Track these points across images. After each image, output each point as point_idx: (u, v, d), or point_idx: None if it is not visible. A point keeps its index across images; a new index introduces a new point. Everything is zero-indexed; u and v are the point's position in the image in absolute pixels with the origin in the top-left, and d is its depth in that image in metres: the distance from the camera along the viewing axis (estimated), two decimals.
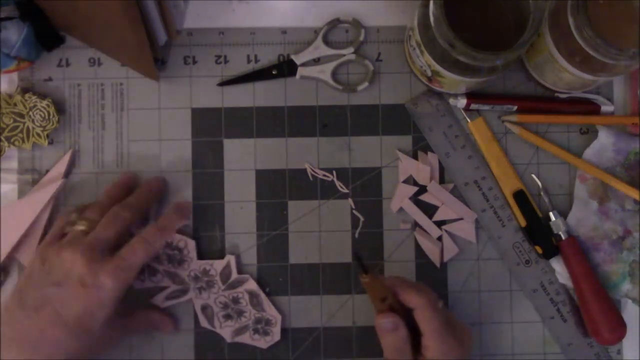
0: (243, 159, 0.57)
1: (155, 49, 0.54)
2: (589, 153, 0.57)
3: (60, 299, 0.46)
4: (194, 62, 0.57)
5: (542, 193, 0.57)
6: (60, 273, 0.47)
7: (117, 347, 0.55)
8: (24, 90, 0.55)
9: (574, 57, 0.49)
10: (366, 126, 0.57)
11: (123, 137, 0.57)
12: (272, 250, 0.56)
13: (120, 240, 0.50)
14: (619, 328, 0.54)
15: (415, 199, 0.57)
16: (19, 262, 0.55)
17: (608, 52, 0.46)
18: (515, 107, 0.56)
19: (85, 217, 0.51)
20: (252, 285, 0.55)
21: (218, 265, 0.55)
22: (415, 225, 0.57)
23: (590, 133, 0.57)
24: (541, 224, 0.56)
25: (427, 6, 0.47)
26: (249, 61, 0.57)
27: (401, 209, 0.57)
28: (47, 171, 0.56)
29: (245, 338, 0.55)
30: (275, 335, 0.55)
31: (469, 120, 0.57)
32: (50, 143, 0.56)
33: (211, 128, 0.57)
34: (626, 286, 0.56)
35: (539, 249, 0.56)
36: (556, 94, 0.57)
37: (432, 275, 0.56)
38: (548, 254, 0.56)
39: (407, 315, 0.48)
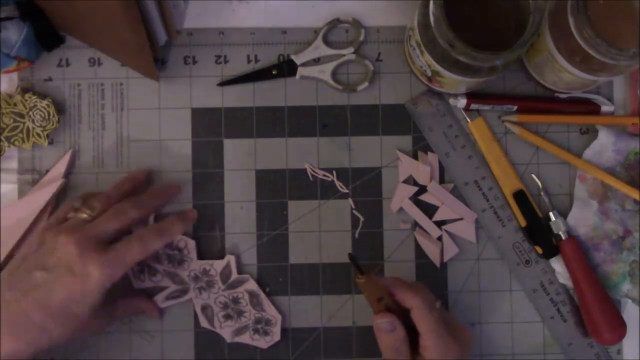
0: (243, 159, 0.57)
1: (155, 49, 0.54)
2: (589, 153, 0.57)
3: (47, 284, 0.46)
4: (194, 62, 0.57)
5: (542, 193, 0.57)
6: (52, 258, 0.47)
7: (117, 347, 0.55)
8: (24, 90, 0.55)
9: (574, 57, 0.49)
10: (366, 126, 0.57)
11: (123, 137, 0.57)
12: (272, 250, 0.56)
13: (120, 235, 0.49)
14: (619, 328, 0.54)
15: (415, 199, 0.57)
16: None
17: (608, 52, 0.46)
18: (515, 107, 0.56)
19: (89, 206, 0.50)
20: (252, 285, 0.55)
21: (218, 265, 0.55)
22: (415, 225, 0.57)
23: (590, 133, 0.57)
24: (541, 224, 0.56)
25: (427, 6, 0.47)
26: (249, 61, 0.57)
27: (401, 209, 0.57)
28: (47, 171, 0.56)
29: (245, 338, 0.55)
30: (275, 335, 0.55)
31: (469, 120, 0.57)
32: (50, 143, 0.56)
33: (211, 128, 0.57)
34: (626, 286, 0.56)
35: (539, 249, 0.56)
36: (556, 94, 0.57)
37: (432, 275, 0.56)
38: (548, 254, 0.56)
39: (404, 316, 0.48)
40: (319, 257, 0.56)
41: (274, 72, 0.57)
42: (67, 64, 0.57)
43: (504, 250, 0.57)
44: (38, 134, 0.55)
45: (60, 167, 0.55)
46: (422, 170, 0.56)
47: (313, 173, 0.57)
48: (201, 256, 0.56)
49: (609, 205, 0.56)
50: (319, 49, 0.57)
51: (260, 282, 0.56)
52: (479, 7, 0.50)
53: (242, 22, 0.57)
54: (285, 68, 0.57)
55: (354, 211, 0.57)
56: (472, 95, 0.56)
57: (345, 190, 0.57)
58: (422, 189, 0.56)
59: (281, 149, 0.57)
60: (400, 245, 0.57)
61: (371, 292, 0.48)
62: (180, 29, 0.57)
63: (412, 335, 0.48)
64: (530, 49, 0.52)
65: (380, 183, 0.57)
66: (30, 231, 0.54)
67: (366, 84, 0.57)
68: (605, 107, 0.57)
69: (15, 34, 0.52)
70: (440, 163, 0.57)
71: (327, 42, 0.57)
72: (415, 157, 0.57)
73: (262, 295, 0.55)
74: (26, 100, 0.55)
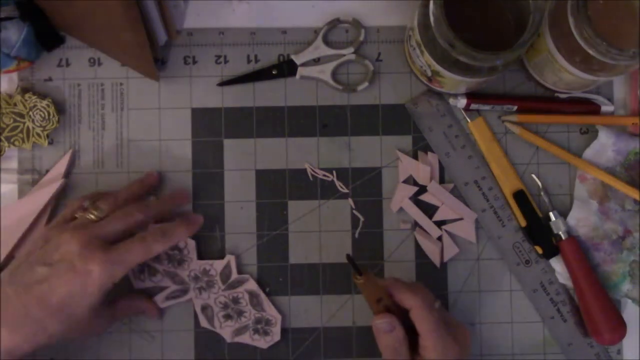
0: (243, 159, 0.57)
1: (155, 49, 0.54)
2: (589, 153, 0.57)
3: (48, 280, 0.46)
4: (194, 62, 0.57)
5: (542, 193, 0.57)
6: (55, 255, 0.47)
7: (117, 347, 0.55)
8: (24, 90, 0.55)
9: (574, 57, 0.49)
10: (366, 126, 0.57)
11: (123, 137, 0.57)
12: (272, 250, 0.56)
13: (125, 237, 0.49)
14: (619, 328, 0.54)
15: (415, 199, 0.57)
16: None
17: (608, 52, 0.46)
18: (515, 107, 0.56)
19: (97, 207, 0.50)
20: (252, 285, 0.55)
21: (218, 265, 0.55)
22: (415, 225, 0.57)
23: (590, 133, 0.57)
24: (541, 224, 0.56)
25: (427, 6, 0.47)
26: (249, 61, 0.57)
27: (401, 209, 0.57)
28: (47, 171, 0.56)
29: (245, 338, 0.55)
30: (275, 335, 0.55)
31: (469, 120, 0.57)
32: (50, 143, 0.56)
33: (211, 128, 0.57)
34: (626, 286, 0.56)
35: (539, 249, 0.56)
36: (556, 94, 0.57)
37: (432, 275, 0.56)
38: (548, 254, 0.56)
39: (404, 316, 0.48)
40: (319, 257, 0.56)
41: (274, 72, 0.57)
42: (67, 64, 0.57)
43: (504, 250, 0.57)
44: (38, 134, 0.55)
45: (60, 167, 0.55)
46: (422, 170, 0.56)
47: (313, 173, 0.57)
48: (201, 256, 0.56)
49: (609, 205, 0.56)
50: (319, 49, 0.57)
51: (260, 282, 0.56)
52: (479, 7, 0.50)
53: (242, 22, 0.57)
54: (285, 68, 0.57)
55: (354, 211, 0.57)
56: (472, 95, 0.56)
57: (345, 190, 0.57)
58: (422, 189, 0.56)
59: (281, 149, 0.57)
60: (400, 245, 0.57)
61: (370, 292, 0.48)
62: (180, 29, 0.57)
63: (412, 335, 0.48)
64: (530, 49, 0.52)
65: (380, 183, 0.57)
66: (30, 231, 0.54)
67: (366, 84, 0.57)
68: (605, 107, 0.57)
69: (15, 34, 0.52)
70: (440, 163, 0.57)
71: (327, 42, 0.57)
72: (415, 157, 0.57)
73: (262, 295, 0.55)
74: (26, 100, 0.55)
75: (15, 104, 0.55)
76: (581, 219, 0.56)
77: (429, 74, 0.52)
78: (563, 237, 0.55)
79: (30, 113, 0.55)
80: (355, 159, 0.57)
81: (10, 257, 0.54)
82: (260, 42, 0.57)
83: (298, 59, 0.57)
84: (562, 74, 0.51)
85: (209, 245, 0.56)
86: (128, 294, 0.54)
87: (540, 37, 0.50)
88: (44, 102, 0.55)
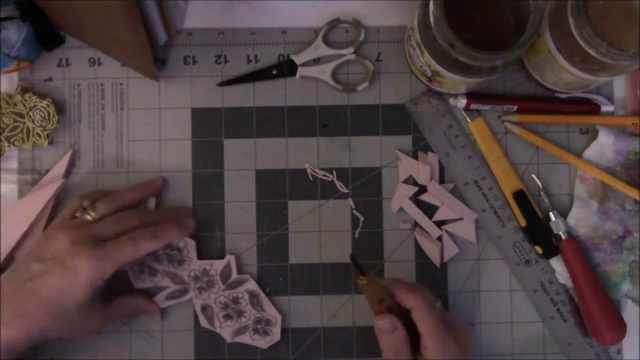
0: (243, 159, 0.57)
1: (155, 49, 0.54)
2: (589, 153, 0.57)
3: (41, 276, 0.47)
4: (194, 62, 0.57)
5: (542, 193, 0.57)
6: (48, 252, 0.48)
7: (117, 347, 0.55)
8: (24, 90, 0.55)
9: (574, 57, 0.49)
10: (366, 126, 0.57)
11: (123, 137, 0.57)
12: (272, 250, 0.56)
13: (117, 236, 0.50)
14: (619, 328, 0.54)
15: (415, 199, 0.57)
16: None
17: (608, 52, 0.46)
18: (515, 107, 0.56)
19: (95, 208, 0.51)
20: (252, 285, 0.55)
21: (218, 265, 0.55)
22: (415, 225, 0.57)
23: (590, 133, 0.57)
24: (541, 224, 0.56)
25: (427, 6, 0.47)
26: (249, 61, 0.57)
27: (401, 209, 0.57)
28: (47, 171, 0.56)
29: (245, 338, 0.55)
30: (275, 335, 0.55)
31: (469, 120, 0.57)
32: (50, 143, 0.56)
33: (211, 128, 0.57)
34: (626, 286, 0.56)
35: (539, 249, 0.56)
36: (556, 94, 0.57)
37: (432, 275, 0.56)
38: (548, 254, 0.56)
39: (405, 316, 0.48)
40: (319, 257, 0.56)
41: (274, 72, 0.57)
42: (67, 64, 0.57)
43: (504, 250, 0.57)
44: (38, 134, 0.55)
45: (60, 167, 0.55)
46: (422, 170, 0.56)
47: (313, 173, 0.57)
48: (201, 256, 0.56)
49: (609, 205, 0.56)
50: (319, 49, 0.57)
51: (260, 282, 0.56)
52: (479, 7, 0.50)
53: (242, 22, 0.57)
54: (285, 68, 0.57)
55: (354, 211, 0.57)
56: (472, 95, 0.56)
57: (345, 190, 0.57)
58: (422, 189, 0.56)
59: (281, 149, 0.57)
60: (400, 245, 0.57)
61: (372, 293, 0.48)
62: (180, 29, 0.57)
63: (413, 335, 0.48)
64: (530, 49, 0.52)
65: (380, 183, 0.57)
66: (30, 231, 0.54)
67: (366, 84, 0.57)
68: (605, 107, 0.57)
69: (15, 34, 0.52)
70: (440, 163, 0.57)
71: (327, 42, 0.57)
72: (415, 157, 0.57)
73: (262, 295, 0.55)
74: (26, 100, 0.55)
75: (15, 104, 0.55)
76: (581, 219, 0.56)
77: (429, 74, 0.52)
78: (563, 237, 0.55)
79: (30, 113, 0.55)
80: (355, 159, 0.57)
81: (10, 257, 0.54)
82: (260, 42, 0.57)
83: (298, 59, 0.57)
84: (562, 74, 0.51)
85: (209, 245, 0.56)
86: (127, 293, 0.54)
87: (540, 37, 0.50)
88: (44, 102, 0.55)
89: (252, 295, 0.55)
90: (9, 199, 0.56)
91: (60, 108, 0.56)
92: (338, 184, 0.57)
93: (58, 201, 0.56)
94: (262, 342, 0.55)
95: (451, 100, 0.56)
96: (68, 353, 0.55)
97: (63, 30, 0.56)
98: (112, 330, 0.55)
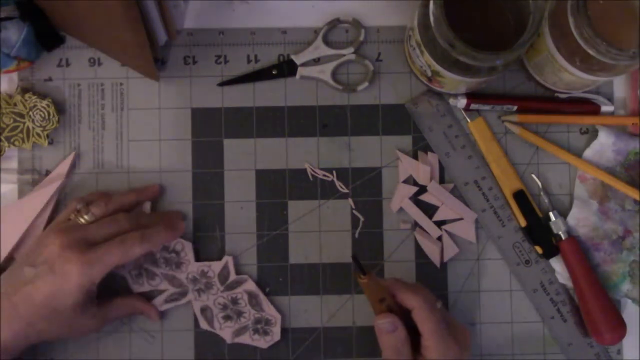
0: (243, 159, 0.57)
1: (155, 49, 0.54)
2: (589, 153, 0.57)
3: (33, 281, 0.48)
4: (194, 62, 0.57)
5: (542, 193, 0.57)
6: (40, 256, 0.49)
7: (117, 347, 0.55)
8: (24, 90, 0.55)
9: (574, 57, 0.49)
10: (366, 126, 0.57)
11: (123, 137, 0.57)
12: (272, 250, 0.56)
13: (109, 240, 0.50)
14: (619, 328, 0.54)
15: (415, 199, 0.57)
16: None
17: (608, 52, 0.46)
18: (515, 107, 0.56)
19: (89, 211, 0.51)
20: (250, 285, 0.55)
21: (216, 266, 0.55)
22: (415, 225, 0.57)
23: (590, 133, 0.57)
24: (541, 224, 0.56)
25: (427, 6, 0.47)
26: (249, 61, 0.57)
27: (401, 209, 0.57)
28: (47, 171, 0.56)
29: (246, 338, 0.55)
30: (275, 335, 0.55)
31: (469, 120, 0.57)
32: (50, 143, 0.56)
33: (211, 128, 0.57)
34: (626, 286, 0.56)
35: (539, 249, 0.56)
36: (556, 94, 0.57)
37: (432, 275, 0.56)
38: (548, 254, 0.56)
39: (405, 316, 0.48)
40: (319, 257, 0.56)
41: (274, 72, 0.57)
42: (67, 64, 0.57)
43: (504, 250, 0.57)
44: (38, 134, 0.55)
45: (62, 168, 0.55)
46: (422, 170, 0.56)
47: (313, 173, 0.57)
48: (201, 257, 0.56)
49: (609, 205, 0.56)
50: (319, 49, 0.57)
51: (260, 282, 0.56)
52: (479, 7, 0.50)
53: (242, 22, 0.57)
54: (285, 68, 0.57)
55: (354, 211, 0.57)
56: (472, 95, 0.56)
57: (345, 190, 0.57)
58: (422, 189, 0.56)
59: (281, 149, 0.57)
60: (400, 245, 0.57)
61: (373, 292, 0.48)
62: (180, 29, 0.57)
63: (413, 335, 0.48)
64: (530, 49, 0.52)
65: (380, 183, 0.57)
66: (30, 231, 0.54)
67: (366, 84, 0.57)
68: (605, 107, 0.57)
69: (15, 34, 0.52)
70: (440, 163, 0.57)
71: (327, 42, 0.57)
72: (415, 157, 0.57)
73: (261, 296, 0.55)
74: (26, 100, 0.55)
75: (15, 104, 0.55)
76: (581, 219, 0.56)
77: (429, 74, 0.52)
78: (563, 237, 0.55)
79: (30, 113, 0.55)
80: (355, 159, 0.57)
81: (10, 257, 0.54)
82: (260, 42, 0.57)
83: (298, 59, 0.57)
84: (562, 74, 0.51)
85: (209, 245, 0.56)
86: (125, 294, 0.54)
87: (540, 37, 0.50)
88: (44, 102, 0.55)
89: (251, 295, 0.55)
90: (9, 199, 0.56)
91: (60, 108, 0.56)
92: (338, 184, 0.57)
93: (58, 201, 0.56)
94: (262, 342, 0.55)
95: (451, 100, 0.56)
96: (68, 353, 0.55)
97: (63, 30, 0.56)
98: (112, 330, 0.55)
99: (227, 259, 0.55)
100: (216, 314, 0.55)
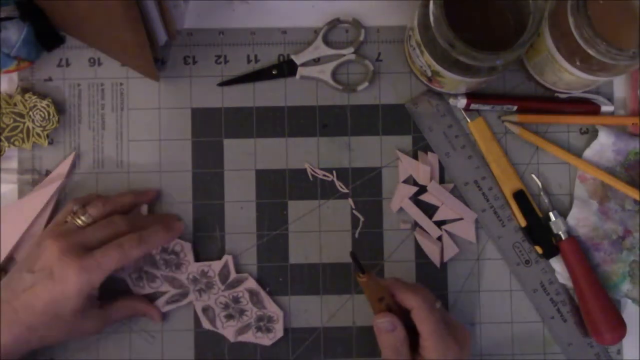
0: (243, 159, 0.57)
1: (155, 49, 0.54)
2: (589, 153, 0.57)
3: (32, 288, 0.48)
4: (194, 62, 0.57)
5: (542, 193, 0.57)
6: (38, 262, 0.48)
7: (117, 347, 0.55)
8: (24, 90, 0.55)
9: (574, 57, 0.49)
10: (366, 126, 0.57)
11: (123, 137, 0.57)
12: (272, 250, 0.56)
13: (106, 243, 0.50)
14: (619, 328, 0.54)
15: (415, 199, 0.57)
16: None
17: (608, 52, 0.46)
18: (515, 107, 0.56)
19: (86, 212, 0.51)
20: (251, 283, 0.55)
21: (216, 266, 0.55)
22: (415, 225, 0.57)
23: (590, 133, 0.57)
24: (541, 224, 0.56)
25: (427, 6, 0.47)
26: (249, 61, 0.57)
27: (401, 209, 0.57)
28: (47, 171, 0.56)
29: (249, 337, 0.55)
30: (278, 331, 0.55)
31: (469, 120, 0.57)
32: (50, 143, 0.56)
33: (211, 128, 0.57)
34: (626, 286, 0.56)
35: (539, 249, 0.56)
36: (556, 94, 0.57)
37: (432, 275, 0.56)
38: (548, 254, 0.56)
39: (405, 316, 0.48)
40: (319, 257, 0.56)
41: (274, 72, 0.57)
42: (67, 64, 0.57)
43: (504, 250, 0.57)
44: (38, 134, 0.55)
45: (63, 168, 0.55)
46: (422, 170, 0.56)
47: (313, 173, 0.57)
48: (201, 257, 0.56)
49: (609, 205, 0.56)
50: (319, 49, 0.57)
51: (260, 282, 0.56)
52: (479, 7, 0.50)
53: (242, 22, 0.57)
54: (285, 68, 0.57)
55: (354, 211, 0.57)
56: (472, 95, 0.56)
57: (345, 190, 0.57)
58: (422, 189, 0.56)
59: (281, 149, 0.57)
60: (400, 245, 0.57)
61: (372, 291, 0.48)
62: (180, 29, 0.57)
63: (412, 335, 0.48)
64: (530, 49, 0.52)
65: (380, 183, 0.57)
66: (30, 231, 0.54)
67: (366, 84, 0.57)
68: (605, 107, 0.57)
69: (15, 34, 0.52)
70: (440, 163, 0.57)
71: (327, 42, 0.57)
72: (415, 157, 0.57)
73: (262, 293, 0.55)
74: (26, 100, 0.55)
75: (15, 104, 0.55)
76: (581, 219, 0.56)
77: (429, 74, 0.52)
78: (563, 237, 0.55)
79: (30, 113, 0.55)
80: (355, 159, 0.57)
81: (10, 257, 0.54)
82: (260, 42, 0.57)
83: (298, 59, 0.57)
84: (562, 74, 0.51)
85: (209, 245, 0.56)
86: (127, 296, 0.54)
87: (540, 37, 0.50)
88: (44, 102, 0.55)
89: (252, 293, 0.55)
90: (9, 199, 0.56)
91: (60, 108, 0.56)
92: (338, 184, 0.57)
93: (58, 201, 0.56)
94: (266, 340, 0.55)
95: (451, 100, 0.56)
96: (68, 353, 0.55)
97: (63, 30, 0.56)
98: (112, 330, 0.55)
99: (227, 258, 0.55)
100: (218, 314, 0.55)
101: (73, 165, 0.56)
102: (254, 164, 0.57)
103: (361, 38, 0.57)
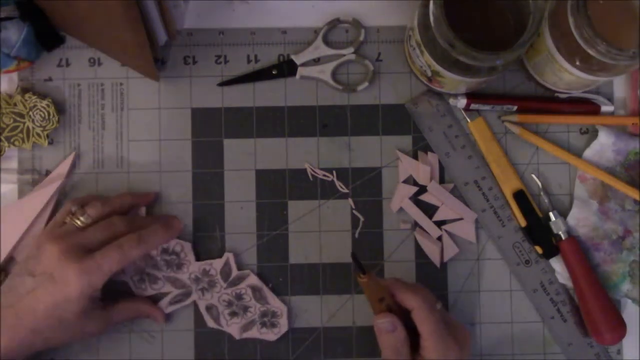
0: (243, 159, 0.57)
1: (155, 49, 0.54)
2: (589, 153, 0.57)
3: (34, 291, 0.48)
4: (194, 62, 0.57)
5: (542, 193, 0.57)
6: (39, 265, 0.48)
7: (117, 347, 0.55)
8: (24, 90, 0.55)
9: (574, 57, 0.49)
10: (366, 126, 0.57)
11: (123, 137, 0.57)
12: (272, 250, 0.56)
13: (106, 244, 0.50)
14: (619, 328, 0.54)
15: (415, 199, 0.57)
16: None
17: (608, 52, 0.46)
18: (515, 107, 0.56)
19: (84, 213, 0.51)
20: (253, 279, 0.55)
21: (217, 264, 0.55)
22: (415, 225, 0.57)
23: (590, 133, 0.57)
24: (541, 224, 0.56)
25: (427, 6, 0.47)
26: (249, 61, 0.57)
27: (401, 209, 0.57)
28: (47, 171, 0.56)
29: (254, 333, 0.55)
30: (283, 326, 0.55)
31: (469, 120, 0.57)
32: (50, 143, 0.56)
33: (211, 128, 0.57)
34: (626, 286, 0.56)
35: (539, 249, 0.56)
36: (556, 94, 0.57)
37: (432, 275, 0.56)
38: (548, 254, 0.56)
39: (405, 317, 0.48)
40: (319, 257, 0.56)
41: (274, 72, 0.57)
42: (67, 64, 0.57)
43: (504, 250, 0.57)
44: (38, 134, 0.55)
45: (63, 168, 0.55)
46: (422, 170, 0.56)
47: (313, 173, 0.57)
48: (202, 257, 0.56)
49: (609, 205, 0.56)
50: (319, 49, 0.57)
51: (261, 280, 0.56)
52: (479, 7, 0.50)
53: (242, 22, 0.57)
54: (285, 68, 0.57)
55: (354, 211, 0.57)
56: (472, 95, 0.56)
57: (345, 190, 0.57)
58: (422, 189, 0.56)
59: (281, 149, 0.57)
60: (400, 245, 0.57)
61: (372, 291, 0.48)
62: (180, 29, 0.57)
63: (412, 335, 0.48)
64: (530, 49, 0.52)
65: (380, 183, 0.57)
66: (30, 231, 0.54)
67: (366, 84, 0.57)
68: (605, 107, 0.57)
69: (15, 34, 0.52)
70: (440, 163, 0.57)
71: (327, 42, 0.57)
72: (415, 157, 0.57)
73: (265, 289, 0.55)
74: (26, 100, 0.55)
75: (15, 104, 0.55)
76: (581, 219, 0.56)
77: (429, 74, 0.52)
78: (563, 237, 0.55)
79: (30, 113, 0.55)
80: (355, 159, 0.57)
81: (10, 257, 0.54)
82: (260, 42, 0.57)
83: (298, 59, 0.57)
84: (562, 74, 0.51)
85: (209, 245, 0.56)
86: (130, 297, 0.54)
87: (540, 37, 0.50)
88: (44, 102, 0.55)
89: (254, 289, 0.55)
90: (9, 199, 0.56)
91: (60, 108, 0.56)
92: (338, 184, 0.57)
93: (58, 201, 0.56)
94: (271, 335, 0.55)
95: (451, 100, 0.56)
96: (69, 353, 0.55)
97: (63, 30, 0.56)
98: (112, 330, 0.55)
99: (228, 256, 0.55)
100: (222, 311, 0.55)
101: (73, 165, 0.56)
102: (254, 164, 0.57)
103: (361, 38, 0.57)
